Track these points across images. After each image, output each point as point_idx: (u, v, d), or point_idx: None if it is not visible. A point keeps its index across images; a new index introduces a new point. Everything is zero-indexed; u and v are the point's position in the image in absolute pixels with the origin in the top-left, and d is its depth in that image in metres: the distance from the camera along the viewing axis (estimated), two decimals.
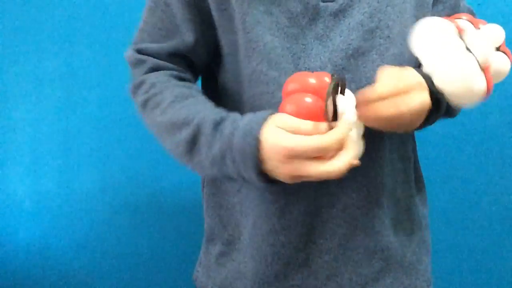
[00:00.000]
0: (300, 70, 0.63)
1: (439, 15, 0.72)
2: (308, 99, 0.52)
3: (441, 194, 1.28)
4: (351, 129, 0.52)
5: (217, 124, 0.57)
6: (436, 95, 0.60)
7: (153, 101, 0.66)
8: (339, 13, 0.64)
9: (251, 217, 0.67)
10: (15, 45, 1.34)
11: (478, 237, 1.29)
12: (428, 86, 0.59)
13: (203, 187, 0.76)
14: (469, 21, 0.66)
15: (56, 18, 1.33)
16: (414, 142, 0.80)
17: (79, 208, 1.36)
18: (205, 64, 0.73)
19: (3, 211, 1.37)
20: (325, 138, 0.50)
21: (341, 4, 0.64)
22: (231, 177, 0.58)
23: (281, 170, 0.52)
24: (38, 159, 1.36)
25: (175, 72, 0.69)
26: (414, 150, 0.80)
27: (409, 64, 0.63)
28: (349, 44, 0.64)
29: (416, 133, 1.28)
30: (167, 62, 0.70)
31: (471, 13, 0.77)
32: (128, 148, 1.35)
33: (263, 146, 0.52)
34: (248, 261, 0.68)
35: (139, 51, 0.71)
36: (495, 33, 0.64)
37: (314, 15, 0.64)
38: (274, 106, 0.56)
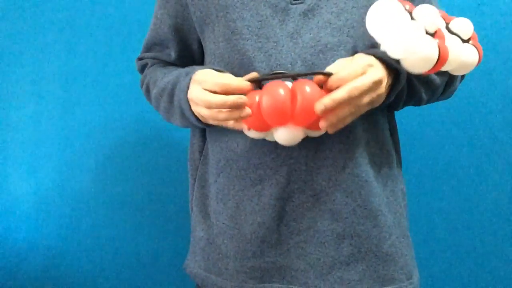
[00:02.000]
0: (271, 67, 0.69)
1: None
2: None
3: (441, 194, 1.29)
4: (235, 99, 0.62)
5: (187, 74, 0.72)
6: (392, 67, 0.64)
7: (151, 83, 0.82)
8: (308, 13, 0.69)
9: (232, 202, 0.75)
10: (15, 45, 1.34)
11: (478, 237, 1.29)
12: (384, 61, 0.63)
13: (194, 181, 0.83)
14: (442, 17, 0.68)
15: (56, 18, 1.33)
16: (394, 134, 0.82)
17: (79, 208, 1.36)
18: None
19: (3, 211, 1.37)
20: (219, 81, 0.64)
21: (309, 4, 0.70)
22: (186, 118, 0.73)
23: (189, 90, 0.68)
24: (38, 159, 1.36)
25: (168, 64, 0.86)
26: (396, 143, 0.82)
27: None
28: (318, 41, 0.68)
29: (416, 134, 1.28)
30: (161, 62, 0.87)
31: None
32: (128, 148, 1.35)
33: (193, 75, 0.68)
34: (228, 242, 0.76)
35: (140, 59, 0.90)
36: (463, 25, 0.67)
37: (283, 16, 0.70)
38: None
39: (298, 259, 0.72)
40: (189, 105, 0.69)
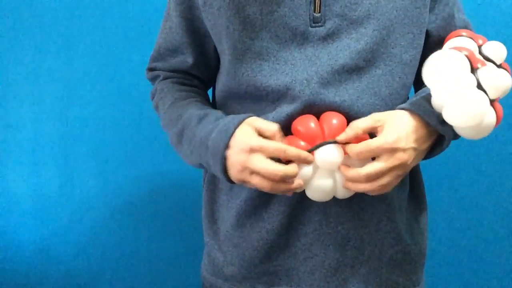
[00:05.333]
0: (287, 83, 0.68)
1: (431, 27, 0.74)
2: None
3: (441, 194, 1.29)
4: (303, 162, 0.64)
5: (201, 119, 0.70)
6: (440, 132, 0.63)
7: (161, 104, 0.80)
8: (328, 37, 0.68)
9: (234, 211, 0.75)
10: (15, 45, 1.34)
11: (478, 237, 1.29)
12: (431, 123, 0.63)
13: (204, 183, 0.83)
14: (470, 37, 0.67)
15: (56, 18, 1.33)
16: None
17: (79, 208, 1.36)
18: (212, 76, 0.82)
19: (3, 211, 1.37)
20: (278, 146, 0.62)
21: (329, 29, 0.68)
22: (204, 166, 0.70)
23: (237, 159, 0.63)
24: (38, 159, 1.36)
25: (180, 80, 0.82)
26: None
27: (393, 87, 0.68)
28: (336, 61, 0.67)
29: None
30: (174, 73, 0.83)
31: (467, 26, 0.78)
32: (128, 148, 1.35)
33: (232, 139, 0.64)
34: (233, 249, 0.76)
35: (151, 69, 0.86)
36: (497, 50, 0.65)
37: (302, 40, 0.68)
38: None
39: (305, 261, 0.73)
40: (224, 166, 0.65)
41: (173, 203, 1.35)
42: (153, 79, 0.86)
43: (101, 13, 1.33)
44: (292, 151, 0.63)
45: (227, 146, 0.64)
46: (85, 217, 1.36)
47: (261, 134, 0.64)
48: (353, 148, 0.62)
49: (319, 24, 0.68)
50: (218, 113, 0.72)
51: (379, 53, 0.68)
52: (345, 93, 0.67)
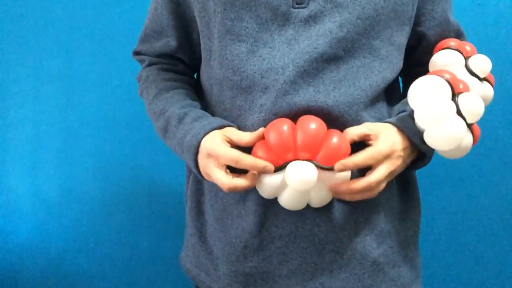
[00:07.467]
0: (262, 71, 0.67)
1: (430, 32, 0.76)
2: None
3: (440, 195, 1.28)
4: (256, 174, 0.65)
5: (180, 120, 0.71)
6: (421, 150, 0.67)
7: (145, 93, 0.80)
8: (310, 19, 0.66)
9: (219, 204, 0.74)
10: (15, 45, 1.34)
11: (478, 237, 1.29)
12: (415, 141, 0.66)
13: (190, 173, 0.82)
14: (457, 49, 0.72)
15: (56, 18, 1.34)
16: None
17: (79, 208, 1.36)
18: (197, 63, 0.81)
19: (3, 211, 1.37)
20: (231, 156, 0.63)
21: (312, 11, 0.66)
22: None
23: (201, 163, 0.67)
24: (38, 159, 1.36)
25: (165, 66, 0.82)
26: None
27: (373, 79, 0.68)
28: (315, 48, 0.65)
29: None
30: (159, 59, 0.83)
31: (458, 28, 0.79)
32: (128, 148, 1.35)
33: (201, 144, 0.66)
34: (217, 243, 0.75)
35: (136, 53, 0.86)
36: (482, 65, 0.70)
37: (283, 21, 0.67)
38: (235, 110, 0.69)
39: (280, 265, 0.70)
40: (197, 165, 0.68)
41: (173, 203, 1.35)
42: (140, 62, 0.87)
43: (101, 13, 1.33)
44: (246, 161, 0.63)
45: (197, 151, 0.67)
46: (84, 217, 1.36)
47: (234, 143, 0.66)
48: (356, 159, 0.63)
49: (303, 5, 0.66)
50: (197, 112, 0.72)
51: (360, 44, 0.67)
52: (321, 83, 0.66)
